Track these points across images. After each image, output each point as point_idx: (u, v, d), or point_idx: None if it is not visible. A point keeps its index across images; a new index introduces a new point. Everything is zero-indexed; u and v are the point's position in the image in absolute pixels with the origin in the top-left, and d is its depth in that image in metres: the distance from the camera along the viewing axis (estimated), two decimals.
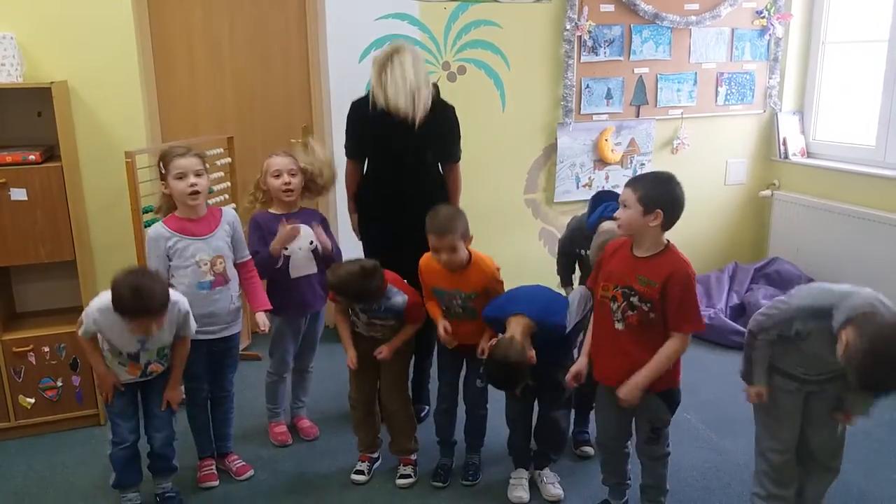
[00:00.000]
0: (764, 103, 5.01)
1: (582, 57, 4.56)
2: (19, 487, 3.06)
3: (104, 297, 2.54)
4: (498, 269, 2.90)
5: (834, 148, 4.84)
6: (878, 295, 2.17)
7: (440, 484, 3.02)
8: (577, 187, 4.74)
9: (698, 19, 4.69)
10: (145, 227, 3.19)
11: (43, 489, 3.04)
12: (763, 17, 4.84)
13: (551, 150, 4.68)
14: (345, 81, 4.00)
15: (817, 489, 2.59)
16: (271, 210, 3.14)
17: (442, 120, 3.22)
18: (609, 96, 4.68)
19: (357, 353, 2.98)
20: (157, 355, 2.69)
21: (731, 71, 4.89)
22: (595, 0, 4.48)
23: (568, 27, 4.46)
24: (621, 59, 4.64)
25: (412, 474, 3.05)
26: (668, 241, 2.45)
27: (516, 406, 2.96)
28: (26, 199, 3.23)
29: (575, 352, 2.99)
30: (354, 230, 3.42)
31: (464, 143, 3.34)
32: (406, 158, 3.18)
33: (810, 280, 4.59)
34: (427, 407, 3.52)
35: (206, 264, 2.85)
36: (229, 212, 3.04)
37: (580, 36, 4.50)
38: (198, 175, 2.82)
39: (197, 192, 2.81)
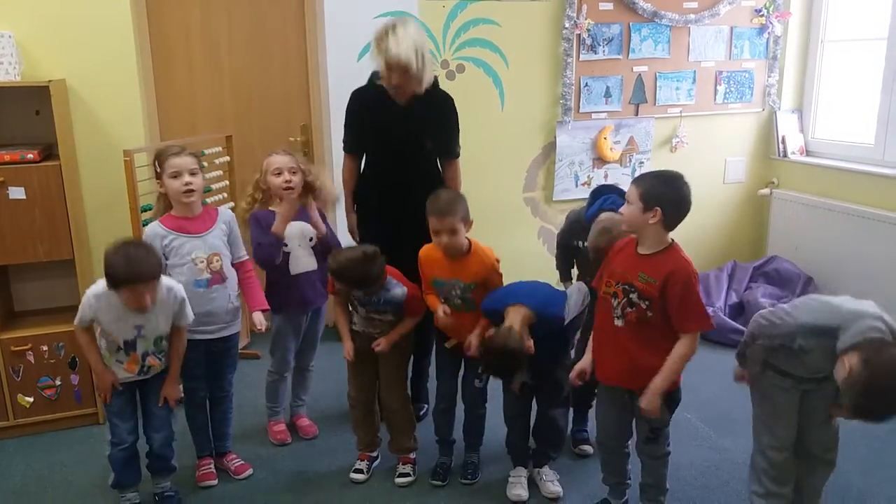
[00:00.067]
0: (763, 102, 5.02)
1: (581, 55, 4.56)
2: (18, 486, 3.05)
3: (100, 283, 2.58)
4: (497, 262, 2.90)
5: (833, 146, 4.84)
6: (881, 313, 2.19)
7: (439, 482, 3.02)
8: (576, 186, 4.74)
9: (697, 17, 4.69)
10: (143, 225, 3.18)
11: (42, 488, 3.04)
12: (762, 16, 4.84)
13: (550, 148, 4.68)
14: (344, 80, 3.98)
15: (815, 484, 2.59)
16: (271, 208, 3.14)
17: (443, 106, 3.24)
18: (608, 95, 4.68)
19: (356, 352, 2.98)
20: (153, 345, 2.67)
21: (730, 69, 4.89)
22: None
23: (567, 25, 4.46)
24: (620, 57, 4.64)
25: (411, 473, 3.05)
26: (673, 240, 2.46)
27: (514, 404, 2.96)
28: (24, 197, 3.22)
29: (572, 352, 3.01)
30: (352, 232, 3.40)
31: (463, 142, 3.34)
32: (406, 148, 3.18)
33: (809, 279, 4.60)
34: (426, 406, 3.52)
35: (202, 262, 2.85)
36: (225, 211, 3.05)
37: (579, 34, 4.50)
38: (192, 174, 2.83)
39: (192, 191, 2.82)
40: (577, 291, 2.86)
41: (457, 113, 3.28)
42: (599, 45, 4.57)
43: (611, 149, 4.74)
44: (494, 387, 3.00)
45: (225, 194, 3.95)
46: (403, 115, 3.15)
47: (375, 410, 3.11)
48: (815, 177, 4.79)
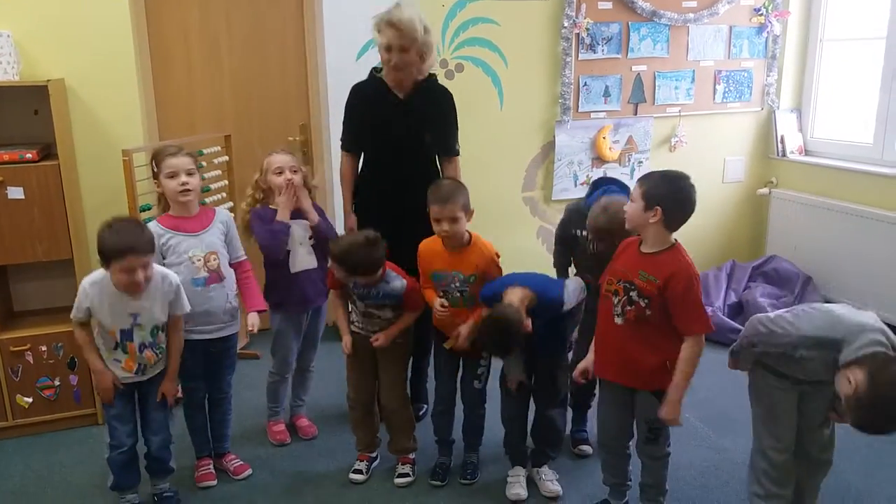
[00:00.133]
0: (762, 101, 5.02)
1: (580, 54, 4.55)
2: (17, 487, 3.05)
3: (95, 273, 2.60)
4: (498, 256, 2.91)
5: (832, 146, 4.84)
6: (883, 326, 2.20)
7: (438, 483, 3.02)
8: (575, 185, 4.74)
9: (696, 17, 4.69)
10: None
11: (41, 488, 3.04)
12: (761, 15, 4.84)
13: (549, 147, 4.68)
14: (342, 80, 3.98)
15: (813, 483, 2.60)
16: (271, 206, 3.13)
17: (442, 101, 3.26)
18: (607, 94, 4.68)
19: (354, 352, 2.99)
20: (150, 335, 2.66)
21: (728, 69, 4.89)
22: None
23: (566, 24, 4.45)
24: (619, 56, 4.64)
25: (411, 473, 3.05)
26: (676, 240, 2.46)
27: (511, 405, 2.96)
28: (23, 197, 3.22)
29: (570, 354, 3.01)
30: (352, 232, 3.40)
31: (462, 141, 3.34)
32: (404, 143, 3.19)
33: (808, 278, 4.60)
34: (425, 406, 3.52)
35: (199, 260, 2.86)
36: (222, 211, 3.07)
37: (578, 33, 4.50)
38: (189, 174, 2.84)
39: (188, 191, 2.83)
40: (574, 282, 2.86)
41: (455, 109, 3.29)
42: (598, 44, 4.57)
43: (610, 148, 4.74)
44: (493, 387, 3.00)
45: (224, 194, 3.94)
46: (403, 109, 3.17)
47: (375, 411, 3.11)
48: (814, 176, 4.79)
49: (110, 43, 3.70)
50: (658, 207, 2.37)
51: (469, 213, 2.83)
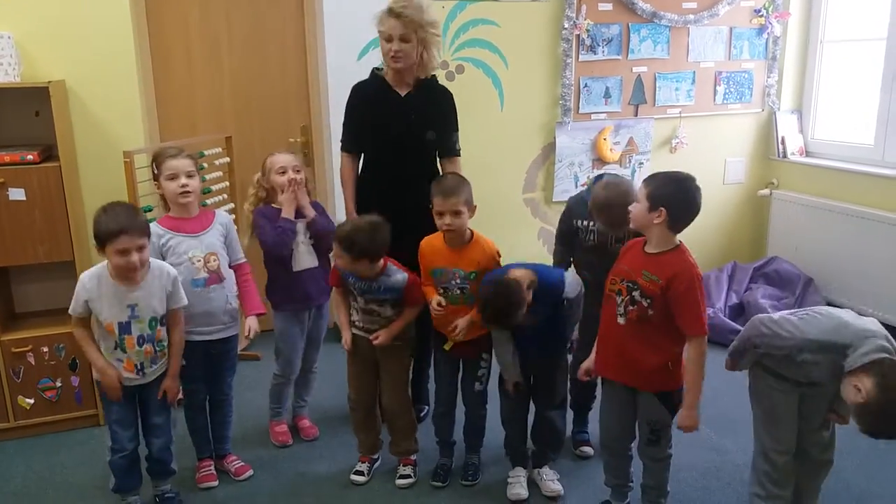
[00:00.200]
0: (762, 102, 5.02)
1: (580, 56, 4.56)
2: (19, 488, 3.05)
3: (93, 267, 2.62)
4: (498, 254, 2.91)
5: (832, 147, 4.84)
6: (885, 332, 2.20)
7: (440, 484, 3.02)
8: (576, 186, 4.74)
9: (696, 18, 4.69)
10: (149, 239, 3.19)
11: (42, 490, 3.04)
12: (761, 16, 4.84)
13: (550, 149, 4.68)
14: (343, 80, 3.99)
15: (814, 484, 2.60)
16: (274, 205, 3.14)
17: (441, 100, 3.27)
18: (607, 95, 4.68)
19: (356, 355, 2.99)
20: (149, 327, 2.65)
21: (729, 70, 4.89)
22: None
23: (566, 26, 4.46)
24: (619, 57, 4.64)
25: (412, 474, 3.05)
26: (680, 241, 2.46)
27: (511, 407, 2.97)
28: (24, 199, 3.22)
29: (569, 356, 3.01)
30: None
31: (462, 143, 3.34)
32: (405, 142, 3.19)
33: (809, 280, 4.60)
34: (426, 407, 3.52)
35: (198, 261, 2.86)
36: (222, 213, 3.08)
37: (578, 35, 4.50)
38: (189, 176, 2.86)
39: (188, 193, 2.84)
40: (572, 275, 2.87)
41: (456, 109, 3.30)
42: (599, 45, 4.57)
43: (610, 149, 4.74)
44: (494, 389, 3.01)
45: (225, 195, 3.94)
46: (403, 107, 3.18)
47: (376, 413, 3.11)
48: (815, 177, 4.79)
49: (111, 44, 3.70)
50: (663, 208, 2.37)
51: (472, 208, 2.84)
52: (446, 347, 2.94)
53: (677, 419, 2.48)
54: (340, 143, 3.34)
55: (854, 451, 3.10)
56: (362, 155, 3.34)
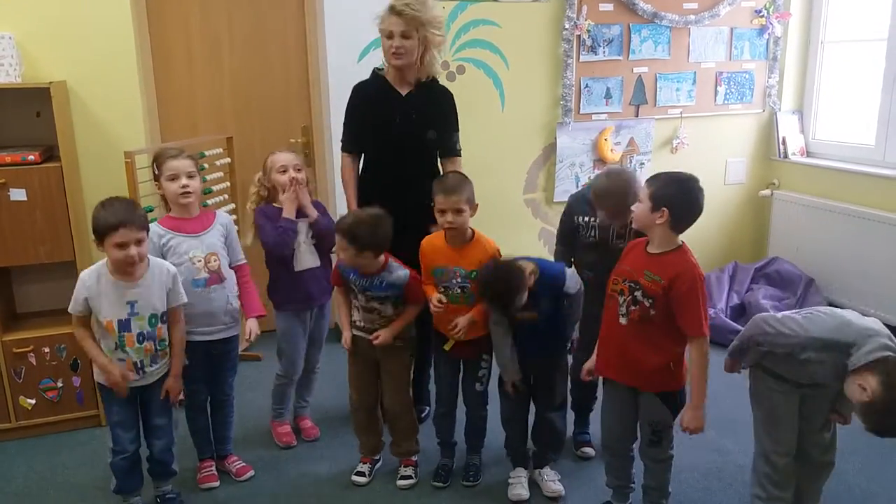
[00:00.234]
0: (763, 103, 5.02)
1: (581, 56, 4.56)
2: (20, 488, 3.05)
3: (92, 266, 2.63)
4: (499, 253, 2.91)
5: (833, 147, 4.84)
6: (887, 331, 2.21)
7: (441, 484, 3.02)
8: (577, 187, 4.73)
9: (697, 18, 4.69)
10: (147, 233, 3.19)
11: (44, 490, 3.04)
12: (762, 16, 4.84)
13: (551, 149, 4.68)
14: (344, 81, 3.99)
15: (815, 486, 2.60)
16: (275, 204, 3.14)
17: (442, 100, 3.28)
18: (608, 96, 4.68)
19: (357, 356, 2.99)
20: (149, 324, 2.65)
21: (730, 70, 4.89)
22: None
23: (567, 26, 4.46)
24: (620, 58, 4.64)
25: (413, 475, 3.05)
26: (683, 242, 2.46)
27: (511, 408, 2.97)
28: (26, 199, 3.22)
29: (569, 358, 3.01)
30: None
31: (463, 143, 3.34)
32: (406, 141, 3.20)
33: (810, 280, 4.60)
34: (427, 408, 3.51)
35: (199, 261, 2.86)
36: (223, 214, 3.08)
37: (579, 35, 4.50)
38: (190, 177, 2.86)
39: (188, 193, 2.85)
40: (573, 273, 2.88)
41: (456, 109, 3.31)
42: (599, 46, 4.57)
43: (611, 150, 4.74)
44: (494, 389, 3.01)
45: (226, 196, 3.95)
46: (404, 106, 3.18)
47: (378, 415, 3.11)
48: (816, 178, 4.79)
49: (112, 44, 3.70)
50: (665, 209, 2.37)
51: (473, 207, 2.84)
52: (446, 347, 2.94)
53: (682, 420, 2.48)
54: (341, 144, 3.34)
55: (856, 453, 3.09)
56: (363, 155, 3.34)
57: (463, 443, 3.12)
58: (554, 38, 4.51)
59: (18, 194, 3.21)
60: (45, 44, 3.58)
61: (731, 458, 3.18)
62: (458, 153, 3.32)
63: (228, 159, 4.01)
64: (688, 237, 2.47)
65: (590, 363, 2.70)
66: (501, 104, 4.52)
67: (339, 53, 4.13)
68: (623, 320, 2.50)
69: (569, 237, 3.09)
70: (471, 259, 2.84)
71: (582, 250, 3.04)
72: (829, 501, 2.70)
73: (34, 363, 3.34)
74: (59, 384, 3.40)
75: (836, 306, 2.82)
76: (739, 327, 4.11)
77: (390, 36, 3.07)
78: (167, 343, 2.73)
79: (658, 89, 4.75)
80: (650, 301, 2.41)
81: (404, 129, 3.19)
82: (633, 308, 2.46)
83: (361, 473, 3.06)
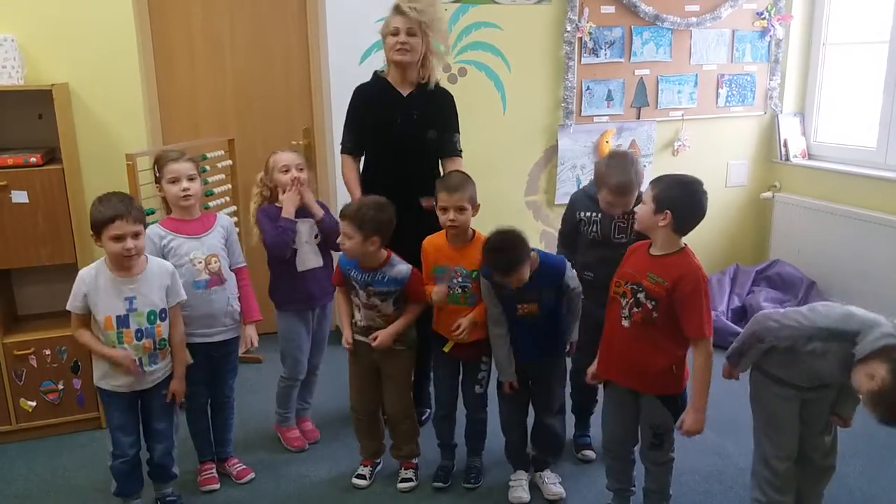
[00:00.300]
0: (765, 105, 5.01)
1: (582, 59, 4.55)
2: (20, 491, 3.05)
3: (91, 264, 2.65)
4: None
5: (835, 150, 4.83)
6: (891, 321, 2.19)
7: (441, 484, 3.02)
8: (578, 189, 4.73)
9: (699, 21, 4.69)
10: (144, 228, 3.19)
11: (44, 492, 3.04)
12: (763, 19, 4.84)
13: (552, 151, 4.68)
14: (345, 83, 3.99)
15: (816, 490, 2.60)
16: (277, 204, 3.13)
17: (442, 102, 3.29)
18: (610, 98, 4.68)
19: (357, 359, 2.99)
20: (147, 321, 2.64)
21: (731, 72, 4.89)
22: (595, 1, 4.48)
23: (568, 29, 4.46)
24: (622, 60, 4.64)
25: (414, 478, 3.05)
26: (685, 244, 2.46)
27: (510, 412, 2.97)
28: (27, 201, 3.23)
29: (568, 360, 3.01)
30: None
31: (464, 145, 3.35)
32: (407, 142, 3.21)
33: (812, 283, 4.59)
34: (428, 410, 3.51)
35: (200, 262, 2.87)
36: (224, 217, 3.08)
37: (581, 37, 4.50)
38: (191, 179, 2.87)
39: (189, 196, 2.85)
40: (573, 270, 2.88)
41: (456, 110, 3.32)
42: (601, 48, 4.57)
43: None
44: (494, 391, 3.00)
45: (227, 198, 3.95)
46: (405, 106, 3.19)
47: (380, 419, 3.11)
48: (818, 180, 4.79)
49: (114, 46, 3.71)
50: (668, 211, 2.37)
51: (475, 206, 2.84)
52: (445, 349, 2.93)
53: (683, 423, 2.47)
54: (341, 146, 3.34)
55: (856, 456, 3.09)
56: (363, 156, 3.34)
57: (463, 445, 3.12)
58: (555, 40, 4.51)
59: (20, 196, 3.22)
60: (46, 46, 3.58)
61: (732, 460, 3.18)
62: (458, 153, 3.33)
63: (230, 161, 4.01)
64: (689, 239, 2.48)
65: (593, 367, 2.70)
66: (503, 106, 4.52)
67: (341, 55, 4.13)
68: (625, 323, 2.50)
69: (570, 237, 3.09)
70: (472, 259, 2.83)
71: (583, 249, 3.03)
72: (826, 501, 2.70)
73: (35, 365, 3.35)
74: (60, 386, 3.40)
75: None
76: (740, 329, 4.10)
77: (395, 33, 3.09)
78: (167, 342, 2.73)
79: (659, 91, 4.75)
80: (653, 303, 2.41)
81: (405, 130, 3.20)
82: (635, 310, 2.45)
83: (362, 476, 3.06)
